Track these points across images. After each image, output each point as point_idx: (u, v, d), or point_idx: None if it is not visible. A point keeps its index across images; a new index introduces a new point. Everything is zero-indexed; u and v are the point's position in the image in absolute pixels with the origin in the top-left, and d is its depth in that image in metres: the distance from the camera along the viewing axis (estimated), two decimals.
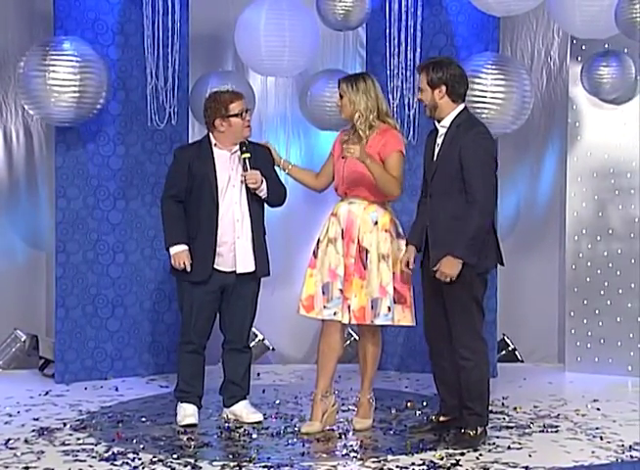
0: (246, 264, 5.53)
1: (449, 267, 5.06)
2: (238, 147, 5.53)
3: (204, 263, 5.47)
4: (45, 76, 6.20)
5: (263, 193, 5.54)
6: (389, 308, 5.33)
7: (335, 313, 5.35)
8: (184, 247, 5.48)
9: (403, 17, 6.77)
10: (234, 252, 5.50)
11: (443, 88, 5.18)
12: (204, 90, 6.60)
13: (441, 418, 5.42)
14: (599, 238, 7.05)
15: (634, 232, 6.95)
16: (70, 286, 6.65)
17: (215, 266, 5.48)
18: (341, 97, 5.45)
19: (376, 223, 5.38)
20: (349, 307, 5.35)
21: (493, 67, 6.43)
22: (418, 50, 6.77)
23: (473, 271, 5.09)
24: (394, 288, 5.35)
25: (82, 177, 6.67)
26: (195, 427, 5.48)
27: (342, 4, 6.41)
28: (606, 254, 7.03)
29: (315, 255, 5.49)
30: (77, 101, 6.26)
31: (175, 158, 5.62)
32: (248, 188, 5.51)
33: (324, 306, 5.38)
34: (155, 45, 6.69)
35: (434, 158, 5.23)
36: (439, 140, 5.23)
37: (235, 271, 5.52)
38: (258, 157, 5.59)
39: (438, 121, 5.25)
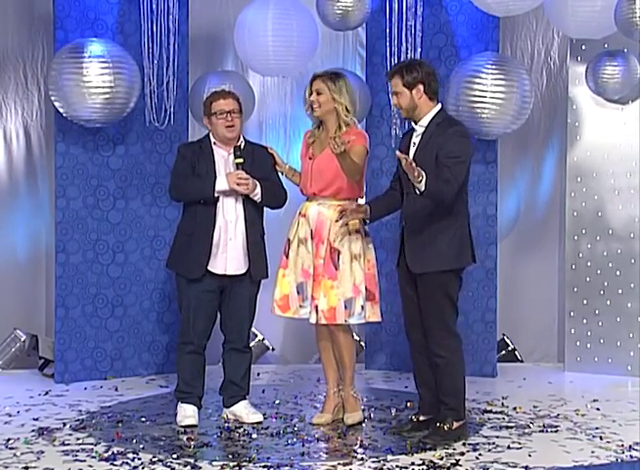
0: (237, 266, 5.52)
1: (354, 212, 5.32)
2: (232, 150, 5.54)
3: (198, 261, 5.47)
4: (79, 78, 6.23)
5: (257, 197, 5.54)
6: (363, 307, 5.43)
7: (310, 312, 5.46)
8: (219, 177, 5.47)
9: (403, 16, 6.79)
10: (226, 253, 5.50)
11: (421, 87, 5.21)
12: (202, 90, 6.60)
13: (421, 418, 5.44)
14: (599, 238, 7.05)
15: (634, 232, 6.94)
16: (70, 286, 6.65)
17: (209, 268, 5.48)
18: (318, 93, 5.47)
19: (347, 225, 5.42)
20: (317, 308, 5.40)
21: (493, 67, 6.43)
22: (418, 50, 6.78)
23: (448, 269, 5.17)
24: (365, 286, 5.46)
25: (82, 177, 6.67)
26: (195, 427, 5.48)
27: (340, 4, 6.41)
28: (606, 254, 7.03)
29: (286, 255, 5.56)
30: (110, 102, 6.29)
31: (180, 153, 5.63)
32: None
33: (300, 306, 5.50)
34: (154, 45, 6.70)
35: (411, 157, 5.22)
36: (416, 139, 5.27)
37: (227, 274, 5.52)
38: (258, 157, 5.60)
39: (416, 122, 5.28)
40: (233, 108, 5.55)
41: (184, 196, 5.59)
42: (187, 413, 5.56)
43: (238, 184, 5.44)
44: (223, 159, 5.57)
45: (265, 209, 5.67)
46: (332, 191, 5.47)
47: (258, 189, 5.52)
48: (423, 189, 5.01)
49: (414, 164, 4.95)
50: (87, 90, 6.25)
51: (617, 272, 6.98)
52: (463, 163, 5.14)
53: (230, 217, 5.52)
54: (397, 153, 5.06)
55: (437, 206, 5.11)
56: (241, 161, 5.49)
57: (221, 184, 5.45)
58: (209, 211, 5.49)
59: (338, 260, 5.41)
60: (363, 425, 5.56)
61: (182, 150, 5.65)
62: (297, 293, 5.52)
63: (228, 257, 5.51)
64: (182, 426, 5.49)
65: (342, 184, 5.44)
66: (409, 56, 6.74)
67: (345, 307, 5.40)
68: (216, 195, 5.46)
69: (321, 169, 5.47)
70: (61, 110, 6.40)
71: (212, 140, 5.59)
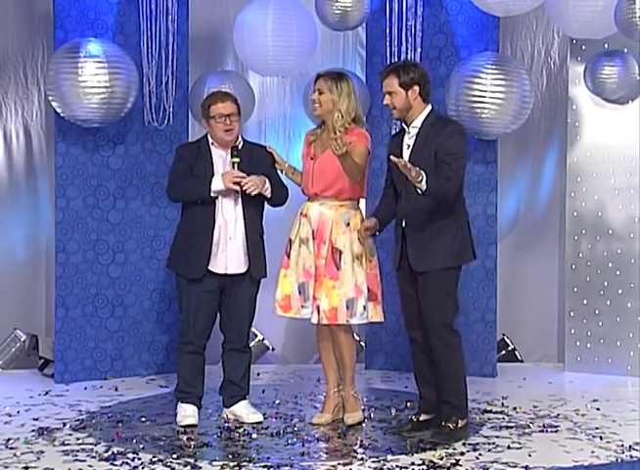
0: (237, 265, 5.52)
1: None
2: (230, 150, 5.54)
3: (198, 261, 5.47)
4: (75, 78, 6.23)
5: (268, 192, 5.54)
6: (364, 307, 5.43)
7: (312, 313, 5.45)
8: (215, 177, 5.46)
9: (403, 16, 6.79)
10: (226, 252, 5.50)
11: (416, 88, 5.22)
12: (202, 90, 6.60)
13: (421, 417, 5.44)
14: (599, 238, 7.05)
15: (634, 232, 6.94)
16: (70, 286, 6.65)
17: (209, 268, 5.48)
18: (320, 93, 5.47)
19: (348, 224, 5.44)
20: (319, 308, 5.40)
21: (493, 67, 6.43)
22: (418, 50, 6.78)
23: (451, 266, 5.19)
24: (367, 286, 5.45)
25: (82, 177, 6.67)
26: (195, 427, 5.48)
27: (338, 4, 6.41)
28: (606, 254, 7.03)
29: (288, 255, 5.56)
30: (107, 102, 6.29)
31: (178, 154, 5.64)
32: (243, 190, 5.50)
33: (301, 306, 5.50)
34: (154, 45, 6.70)
35: (407, 159, 5.20)
36: (410, 141, 5.26)
37: (227, 273, 5.52)
38: (256, 156, 5.60)
39: (407, 123, 5.28)
40: (231, 111, 5.53)
41: (182, 196, 5.60)
42: (187, 413, 5.56)
43: (234, 183, 5.44)
44: (221, 159, 5.57)
45: (265, 208, 5.67)
46: (333, 191, 5.47)
47: (268, 184, 5.52)
48: (424, 188, 5.01)
49: (409, 166, 4.95)
50: (83, 90, 6.24)
51: (617, 272, 6.98)
52: (462, 159, 5.15)
53: (229, 217, 5.51)
54: (392, 157, 5.06)
55: (440, 203, 5.11)
56: (237, 160, 5.49)
57: (217, 184, 5.45)
58: (209, 210, 5.49)
59: (339, 261, 5.40)
60: (363, 425, 5.56)
61: (180, 150, 5.66)
62: (299, 293, 5.51)
63: (228, 256, 5.51)
64: (182, 426, 5.49)
65: (343, 184, 5.44)
66: (409, 56, 6.75)
67: (347, 308, 5.39)
68: (214, 195, 5.46)
69: (323, 170, 5.47)
70: (58, 110, 6.40)
71: (210, 141, 5.59)
